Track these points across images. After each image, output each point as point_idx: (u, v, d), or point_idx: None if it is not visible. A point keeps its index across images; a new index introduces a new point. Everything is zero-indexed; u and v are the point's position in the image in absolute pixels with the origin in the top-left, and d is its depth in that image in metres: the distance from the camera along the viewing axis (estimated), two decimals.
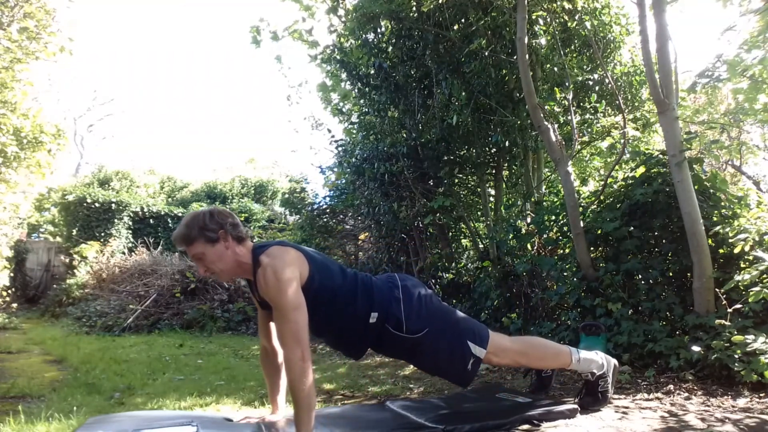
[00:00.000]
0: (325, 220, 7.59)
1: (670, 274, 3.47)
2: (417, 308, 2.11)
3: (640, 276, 3.56)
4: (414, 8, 5.42)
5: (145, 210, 12.54)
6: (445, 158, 5.53)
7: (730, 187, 3.89)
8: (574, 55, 5.31)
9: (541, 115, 3.97)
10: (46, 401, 2.81)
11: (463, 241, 6.17)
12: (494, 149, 5.49)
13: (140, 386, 3.22)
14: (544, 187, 5.25)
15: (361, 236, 7.18)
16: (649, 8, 3.39)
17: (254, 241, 2.23)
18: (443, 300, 3.78)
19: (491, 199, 5.76)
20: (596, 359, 2.41)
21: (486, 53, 4.88)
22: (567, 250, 4.20)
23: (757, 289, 2.54)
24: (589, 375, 2.40)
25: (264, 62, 50.38)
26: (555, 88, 4.61)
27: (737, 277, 2.65)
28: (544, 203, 4.65)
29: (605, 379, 2.41)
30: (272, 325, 2.09)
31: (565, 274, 4.01)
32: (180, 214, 13.01)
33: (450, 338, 2.15)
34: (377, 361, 4.23)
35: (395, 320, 2.07)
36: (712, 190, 3.47)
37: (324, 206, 7.70)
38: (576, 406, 2.32)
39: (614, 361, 2.49)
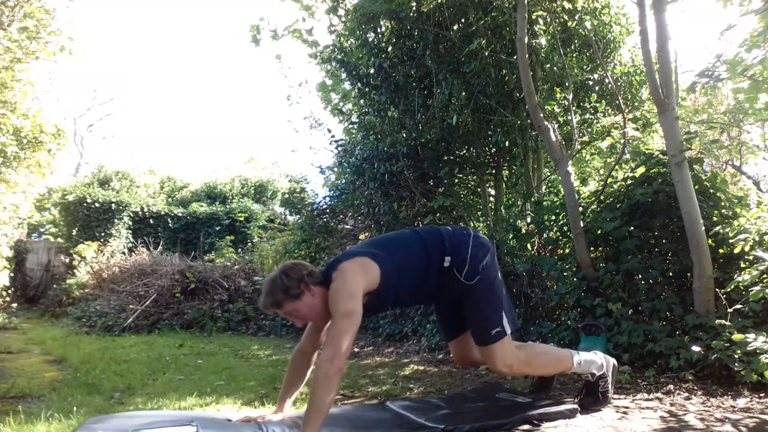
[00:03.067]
0: (325, 220, 7.57)
1: (670, 274, 3.47)
2: (480, 259, 2.25)
3: (640, 276, 3.56)
4: (414, 8, 5.42)
5: (145, 210, 12.54)
6: (445, 158, 5.53)
7: (730, 187, 3.89)
8: (574, 55, 5.31)
9: (541, 115, 3.97)
10: (46, 401, 2.81)
11: None
12: (494, 149, 5.48)
13: (140, 386, 3.22)
14: (544, 187, 5.25)
15: (361, 236, 7.17)
16: (649, 8, 3.39)
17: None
18: None
19: (491, 199, 5.75)
20: (596, 360, 2.41)
21: (486, 53, 4.87)
22: (567, 250, 4.20)
23: (757, 288, 2.54)
24: (589, 376, 2.41)
25: (264, 62, 50.40)
26: (555, 88, 4.61)
27: (737, 278, 2.65)
28: (544, 203, 4.64)
29: (605, 379, 2.41)
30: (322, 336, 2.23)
31: (565, 274, 4.00)
32: (180, 214, 13.00)
33: (493, 299, 2.28)
34: (377, 361, 4.23)
35: (460, 262, 2.21)
36: (712, 190, 3.48)
37: (324, 206, 7.68)
38: (576, 406, 2.32)
39: (613, 361, 2.50)
